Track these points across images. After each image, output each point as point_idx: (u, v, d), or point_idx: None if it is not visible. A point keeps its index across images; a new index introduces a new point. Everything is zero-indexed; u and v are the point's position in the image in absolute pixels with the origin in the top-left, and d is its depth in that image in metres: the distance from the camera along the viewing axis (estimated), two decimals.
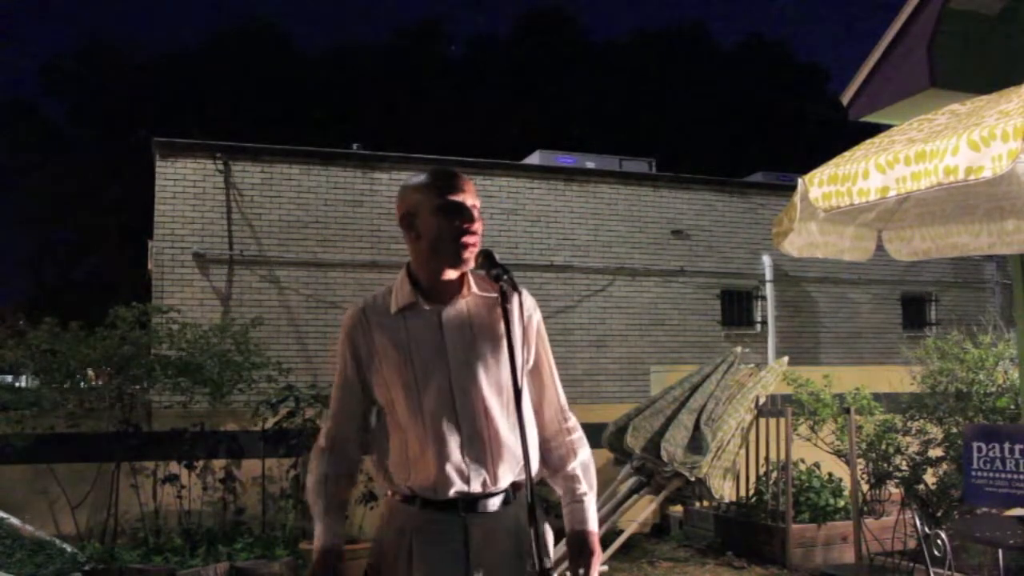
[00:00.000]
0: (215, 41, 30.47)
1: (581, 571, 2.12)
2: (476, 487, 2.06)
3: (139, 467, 6.86)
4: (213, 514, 6.95)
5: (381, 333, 2.10)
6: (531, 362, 2.19)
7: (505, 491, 2.10)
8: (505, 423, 2.08)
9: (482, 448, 2.06)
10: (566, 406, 2.26)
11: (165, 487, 6.79)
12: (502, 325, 2.02)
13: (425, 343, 2.08)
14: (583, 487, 2.21)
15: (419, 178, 2.13)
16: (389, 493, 2.17)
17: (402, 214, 2.13)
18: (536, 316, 2.20)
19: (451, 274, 2.10)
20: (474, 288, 2.13)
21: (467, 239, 2.06)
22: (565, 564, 2.21)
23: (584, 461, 2.23)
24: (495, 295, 2.06)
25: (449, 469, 2.04)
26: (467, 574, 2.03)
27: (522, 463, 2.05)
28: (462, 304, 2.11)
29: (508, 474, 2.10)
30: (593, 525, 2.18)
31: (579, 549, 2.15)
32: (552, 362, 2.24)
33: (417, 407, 2.05)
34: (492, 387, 2.08)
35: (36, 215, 28.40)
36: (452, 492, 2.04)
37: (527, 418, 2.06)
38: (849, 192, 3.11)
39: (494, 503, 2.08)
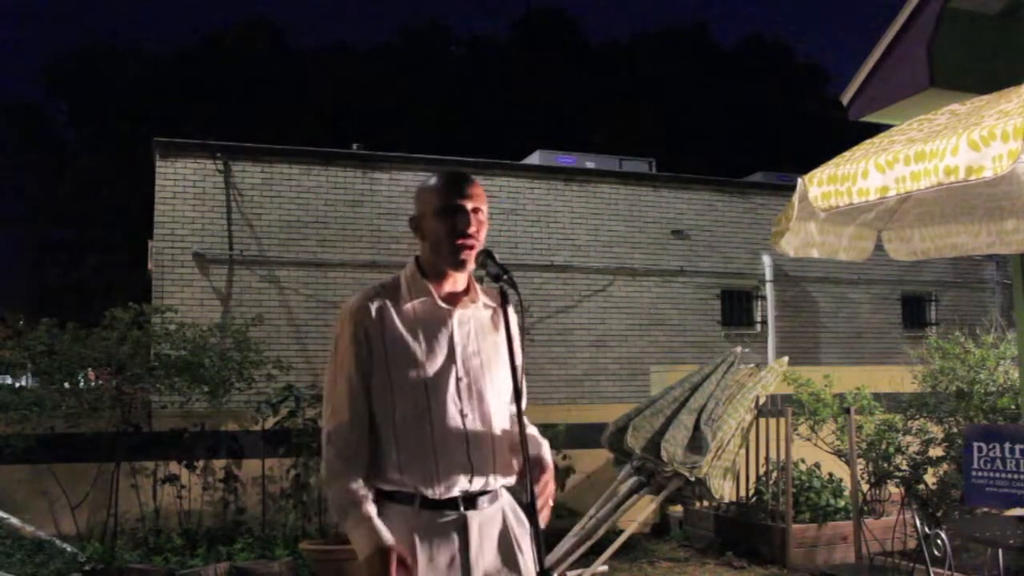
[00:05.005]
0: (215, 41, 30.49)
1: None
2: (478, 485, 2.08)
3: (139, 467, 6.85)
4: (213, 514, 6.95)
5: (393, 323, 2.10)
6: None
7: (496, 490, 2.14)
8: (505, 425, 2.15)
9: (485, 448, 2.09)
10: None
11: (165, 487, 6.79)
12: (502, 334, 2.11)
13: (436, 340, 2.10)
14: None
15: (430, 180, 2.19)
16: (382, 495, 2.08)
17: (412, 216, 2.19)
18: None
19: (453, 276, 2.15)
20: (481, 297, 2.20)
21: (462, 242, 2.09)
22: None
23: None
24: (495, 305, 2.19)
25: (455, 467, 2.05)
26: (467, 571, 2.04)
27: (514, 464, 2.14)
28: (471, 309, 2.17)
29: (503, 474, 2.13)
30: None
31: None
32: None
33: (424, 403, 2.06)
34: (495, 390, 2.14)
35: (36, 215, 28.41)
36: (456, 490, 2.05)
37: (523, 419, 2.09)
38: (849, 192, 3.11)
39: (488, 501, 2.11)
